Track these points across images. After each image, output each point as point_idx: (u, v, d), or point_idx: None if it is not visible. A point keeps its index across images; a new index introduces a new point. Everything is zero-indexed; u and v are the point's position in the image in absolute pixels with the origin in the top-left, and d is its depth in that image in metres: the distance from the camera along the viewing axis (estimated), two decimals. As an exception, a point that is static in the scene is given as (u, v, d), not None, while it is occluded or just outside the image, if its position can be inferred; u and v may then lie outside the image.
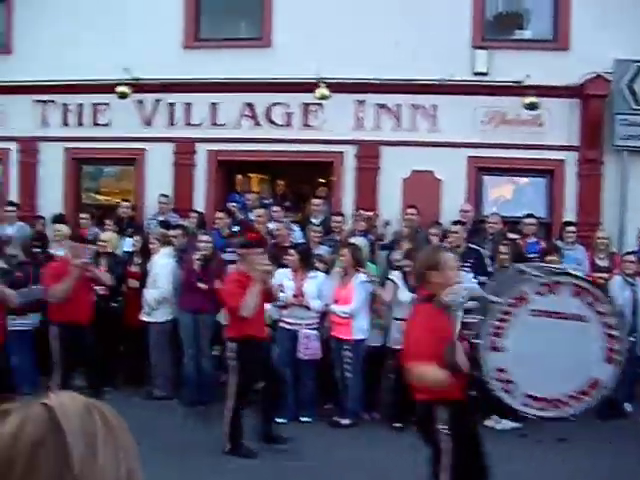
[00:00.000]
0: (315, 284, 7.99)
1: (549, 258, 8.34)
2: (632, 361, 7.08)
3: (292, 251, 8.13)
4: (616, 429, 7.42)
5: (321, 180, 11.35)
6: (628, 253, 8.76)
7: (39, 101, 10.92)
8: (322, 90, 9.75)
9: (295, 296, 7.94)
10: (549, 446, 6.98)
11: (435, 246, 7.44)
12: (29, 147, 10.99)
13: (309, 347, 7.83)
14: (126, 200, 10.52)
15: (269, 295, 6.87)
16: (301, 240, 9.35)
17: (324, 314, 8.16)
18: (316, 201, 10.09)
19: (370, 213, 9.63)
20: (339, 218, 9.55)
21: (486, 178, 10.30)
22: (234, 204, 10.12)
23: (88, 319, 7.29)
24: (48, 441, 0.89)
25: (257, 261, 6.50)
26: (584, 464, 6.42)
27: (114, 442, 0.93)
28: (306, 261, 8.08)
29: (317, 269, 8.24)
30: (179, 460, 6.23)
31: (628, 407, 8.24)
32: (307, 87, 9.84)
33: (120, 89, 10.12)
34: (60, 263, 7.39)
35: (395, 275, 8.07)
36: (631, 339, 7.35)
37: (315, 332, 7.92)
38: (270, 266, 7.10)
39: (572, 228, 9.34)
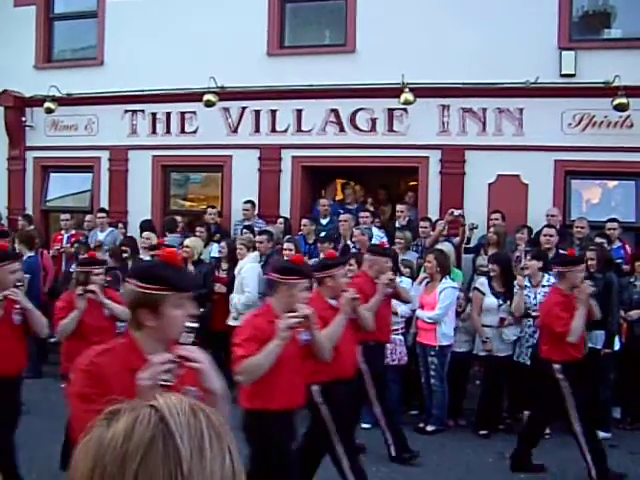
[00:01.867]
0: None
1: (639, 263, 8.61)
2: None
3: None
4: None
5: (412, 183, 11.73)
6: None
7: (128, 111, 11.68)
8: (406, 95, 10.16)
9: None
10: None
11: None
12: (119, 155, 11.76)
13: (395, 352, 8.17)
14: (212, 206, 11.14)
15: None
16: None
17: (410, 320, 8.60)
18: (401, 206, 10.51)
19: (460, 211, 10.01)
20: (425, 223, 9.95)
21: (573, 182, 10.52)
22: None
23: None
24: (158, 441, 0.94)
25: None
26: None
27: (219, 443, 0.99)
28: (393, 266, 8.47)
29: (402, 274, 8.63)
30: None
31: None
32: (391, 92, 10.27)
33: (207, 97, 10.74)
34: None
35: (480, 283, 8.43)
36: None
37: (401, 337, 8.30)
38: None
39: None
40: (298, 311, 4.50)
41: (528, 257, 8.20)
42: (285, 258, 8.23)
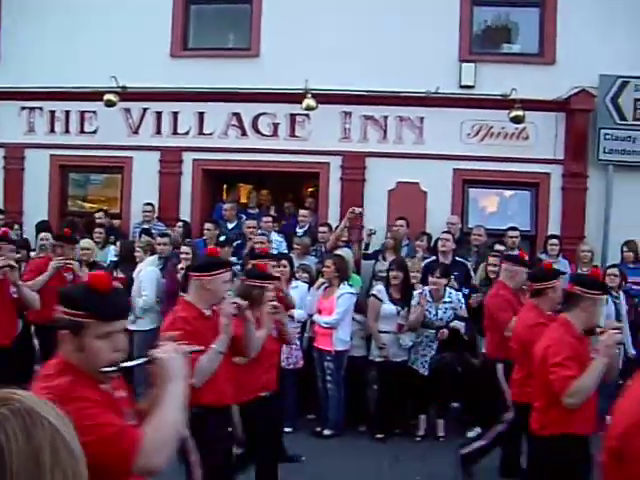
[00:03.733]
0: (297, 294, 8.54)
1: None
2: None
3: (283, 262, 8.59)
4: None
5: (310, 190, 12.09)
6: (611, 266, 9.46)
7: (25, 108, 11.69)
8: (309, 101, 10.51)
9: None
10: None
11: None
12: (15, 154, 11.73)
13: (291, 356, 8.33)
14: (102, 209, 11.27)
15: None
16: (285, 250, 10.09)
17: (305, 324, 8.87)
18: (303, 212, 10.83)
19: (361, 209, 10.40)
20: (325, 229, 10.29)
21: (471, 191, 11.07)
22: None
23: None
24: None
25: None
26: None
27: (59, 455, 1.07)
28: (289, 271, 8.61)
29: (297, 279, 8.89)
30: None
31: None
32: (294, 98, 10.57)
33: (107, 97, 10.84)
34: None
35: (377, 290, 8.73)
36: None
37: (297, 342, 8.54)
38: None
39: (555, 241, 10.08)
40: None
41: (437, 274, 8.49)
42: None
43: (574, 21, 10.73)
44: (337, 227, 10.20)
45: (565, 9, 10.84)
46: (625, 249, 10.10)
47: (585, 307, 4.67)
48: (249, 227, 10.19)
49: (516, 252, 9.87)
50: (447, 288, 8.49)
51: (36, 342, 7.91)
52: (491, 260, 8.71)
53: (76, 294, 2.67)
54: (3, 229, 8.03)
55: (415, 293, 8.48)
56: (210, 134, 11.27)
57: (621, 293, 9.12)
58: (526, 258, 7.65)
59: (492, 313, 7.05)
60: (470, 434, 8.18)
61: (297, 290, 8.55)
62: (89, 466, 2.28)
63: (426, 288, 8.45)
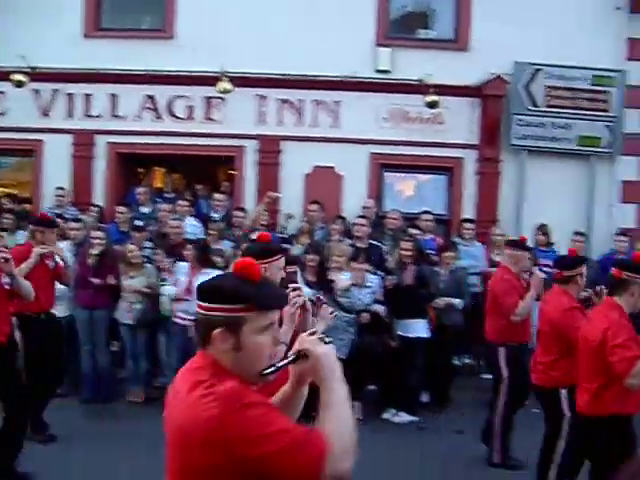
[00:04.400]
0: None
1: (446, 254, 9.32)
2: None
3: (189, 246, 8.69)
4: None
5: (231, 172, 12.07)
6: (521, 249, 9.73)
7: None
8: (224, 84, 10.51)
9: (187, 291, 8.55)
10: (445, 437, 7.81)
11: None
12: None
13: None
14: (10, 195, 11.13)
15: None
16: (202, 235, 10.10)
17: None
18: (218, 196, 10.83)
19: (278, 194, 10.47)
20: (240, 213, 10.32)
21: (387, 175, 11.24)
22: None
23: None
24: None
25: None
26: (480, 452, 7.15)
27: None
28: (202, 257, 8.60)
29: (214, 265, 8.88)
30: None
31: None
32: (209, 80, 10.54)
33: (16, 77, 10.61)
34: None
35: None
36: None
37: None
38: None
39: (469, 225, 10.30)
40: None
41: (360, 260, 8.57)
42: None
43: (489, 8, 10.96)
44: (254, 211, 10.26)
45: (479, -4, 11.07)
46: (537, 232, 10.39)
47: (633, 291, 4.90)
48: (163, 211, 10.15)
49: (430, 236, 10.16)
50: (367, 273, 8.63)
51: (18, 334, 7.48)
52: (403, 244, 8.85)
53: (230, 286, 2.33)
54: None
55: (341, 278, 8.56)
56: (124, 117, 11.17)
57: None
58: (527, 242, 7.84)
59: (498, 298, 7.03)
60: (386, 415, 8.43)
61: (208, 276, 8.45)
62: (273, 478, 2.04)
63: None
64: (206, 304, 2.27)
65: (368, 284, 8.55)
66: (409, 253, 8.67)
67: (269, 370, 2.27)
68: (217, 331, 2.24)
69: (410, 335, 8.55)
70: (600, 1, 11.16)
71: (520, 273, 7.28)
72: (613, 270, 5.09)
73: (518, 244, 7.42)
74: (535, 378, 5.96)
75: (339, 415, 2.25)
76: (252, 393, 2.17)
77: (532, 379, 6.03)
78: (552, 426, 5.81)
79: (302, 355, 2.32)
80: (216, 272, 8.51)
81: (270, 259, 4.30)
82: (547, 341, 5.89)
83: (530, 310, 6.89)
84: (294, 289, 4.36)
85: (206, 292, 2.32)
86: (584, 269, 6.01)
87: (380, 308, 8.58)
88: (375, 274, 8.91)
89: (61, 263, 7.66)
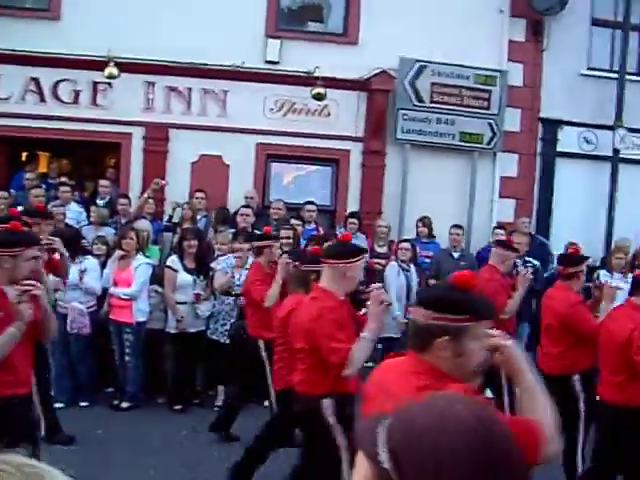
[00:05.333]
0: (87, 267, 8.50)
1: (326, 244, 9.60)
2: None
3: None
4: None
5: (114, 160, 12.13)
6: (403, 240, 10.14)
7: None
8: (111, 69, 10.53)
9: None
10: None
11: None
12: None
13: (75, 320, 8.32)
14: None
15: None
16: (85, 222, 10.16)
17: (103, 297, 8.79)
18: (103, 182, 10.88)
19: (165, 181, 10.60)
20: (125, 200, 10.39)
21: (274, 165, 11.52)
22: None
23: None
24: None
25: None
26: None
27: None
28: (73, 246, 8.29)
29: (88, 252, 8.88)
30: None
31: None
32: (96, 65, 10.54)
33: None
34: None
35: (171, 260, 8.89)
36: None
37: (82, 307, 8.43)
38: None
39: (353, 219, 10.64)
40: None
41: (240, 240, 8.74)
42: None
43: (379, 4, 11.35)
44: (140, 198, 10.36)
45: (370, -9, 11.46)
46: (419, 224, 10.85)
47: None
48: (36, 197, 10.05)
49: (312, 226, 10.48)
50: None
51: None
52: (283, 233, 9.09)
53: (456, 297, 2.57)
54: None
55: (222, 261, 8.70)
56: (6, 99, 11.03)
57: (412, 266, 9.76)
58: (515, 245, 8.33)
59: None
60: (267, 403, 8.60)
61: (84, 264, 8.48)
62: None
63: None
64: (430, 312, 2.51)
65: (248, 267, 8.72)
66: (289, 241, 8.89)
67: (477, 369, 2.58)
68: (441, 340, 2.49)
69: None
70: (484, 3, 11.73)
71: (507, 272, 7.78)
72: (637, 272, 5.83)
73: (506, 244, 8.02)
74: (547, 367, 6.20)
75: (544, 404, 2.60)
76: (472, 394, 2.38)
77: (542, 369, 6.20)
78: (566, 410, 6.26)
79: (496, 348, 2.62)
80: (91, 259, 8.62)
81: (355, 259, 4.75)
82: (555, 334, 6.47)
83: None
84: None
85: (431, 301, 2.57)
86: (584, 266, 6.74)
87: None
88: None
89: (56, 255, 7.30)
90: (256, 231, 9.82)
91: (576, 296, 6.45)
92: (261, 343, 7.18)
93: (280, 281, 6.92)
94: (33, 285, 4.51)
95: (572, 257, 6.86)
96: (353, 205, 11.32)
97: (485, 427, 1.13)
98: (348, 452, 4.59)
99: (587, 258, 7.17)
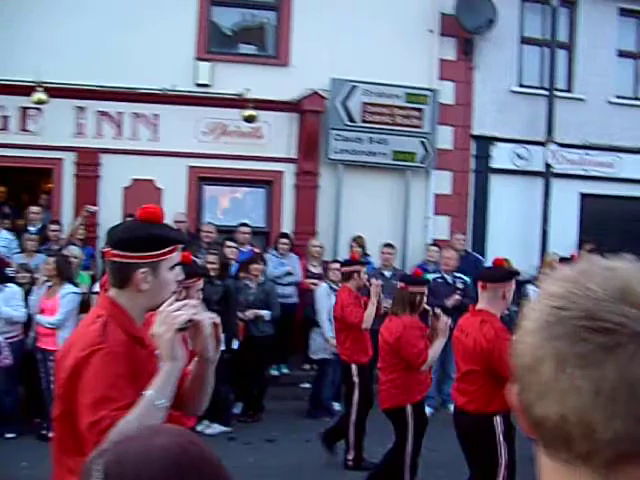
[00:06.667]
0: (7, 295, 8.63)
1: (253, 266, 9.88)
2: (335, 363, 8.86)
3: None
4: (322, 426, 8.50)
5: (49, 186, 12.27)
6: (334, 261, 10.43)
7: None
8: (39, 95, 10.68)
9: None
10: (257, 447, 8.33)
11: None
12: None
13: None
14: None
15: None
16: (16, 249, 10.30)
17: (29, 325, 8.90)
18: (34, 209, 11.03)
19: (95, 208, 10.78)
20: (56, 227, 10.56)
21: (207, 188, 11.79)
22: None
23: None
24: None
25: None
26: (291, 460, 7.75)
27: None
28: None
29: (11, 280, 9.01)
30: None
31: (336, 406, 9.73)
32: (25, 90, 10.68)
33: None
34: None
35: (96, 287, 9.04)
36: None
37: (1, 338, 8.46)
38: None
39: (285, 240, 10.94)
40: None
41: None
42: None
43: (309, 26, 11.71)
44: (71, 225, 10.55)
45: (301, 14, 11.81)
46: (353, 244, 11.17)
47: None
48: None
49: (248, 248, 10.72)
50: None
51: None
52: (209, 257, 9.31)
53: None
54: None
55: None
56: None
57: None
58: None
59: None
60: (199, 427, 8.62)
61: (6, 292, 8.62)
62: None
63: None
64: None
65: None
66: (214, 266, 9.13)
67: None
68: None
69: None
70: (414, 23, 12.13)
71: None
72: None
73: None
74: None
75: None
76: None
77: None
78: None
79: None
80: (12, 286, 8.76)
81: (510, 282, 5.42)
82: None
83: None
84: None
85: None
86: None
87: None
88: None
89: None
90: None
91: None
92: (354, 367, 7.61)
93: (375, 303, 7.49)
94: None
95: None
96: (287, 226, 11.61)
97: (188, 455, 1.24)
98: (507, 470, 5.19)
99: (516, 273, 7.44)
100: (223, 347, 8.21)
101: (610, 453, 0.92)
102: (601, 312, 0.92)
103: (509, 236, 12.33)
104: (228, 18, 12.14)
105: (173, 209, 11.09)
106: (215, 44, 11.87)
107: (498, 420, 5.20)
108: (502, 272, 5.71)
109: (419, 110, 12.08)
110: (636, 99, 13.53)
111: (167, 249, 2.68)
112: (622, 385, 0.90)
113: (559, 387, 0.93)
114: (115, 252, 2.65)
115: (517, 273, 6.11)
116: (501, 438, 5.22)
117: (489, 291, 5.40)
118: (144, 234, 2.68)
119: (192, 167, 11.51)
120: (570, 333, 0.93)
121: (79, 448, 2.42)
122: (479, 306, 5.41)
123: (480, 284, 5.51)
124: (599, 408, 0.91)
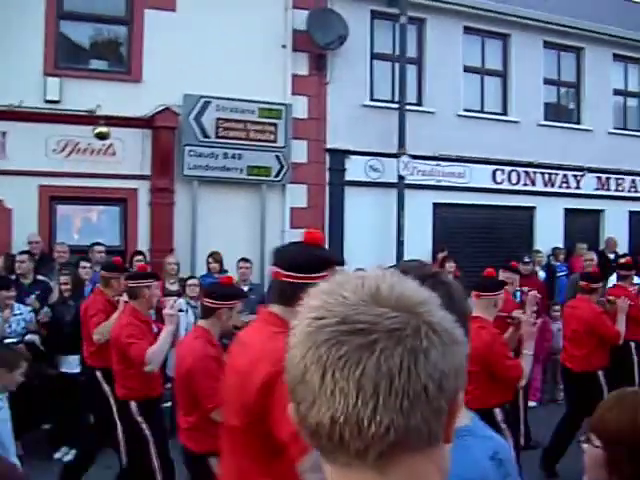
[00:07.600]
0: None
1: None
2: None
3: None
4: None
5: None
6: (191, 277, 10.65)
7: None
8: None
9: None
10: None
11: None
12: None
13: None
14: None
15: None
16: None
17: None
18: None
19: None
20: None
21: (59, 207, 11.71)
22: None
23: None
24: None
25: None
26: None
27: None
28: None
29: None
30: None
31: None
32: None
33: None
34: None
35: None
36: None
37: None
38: None
39: (139, 257, 11.03)
40: None
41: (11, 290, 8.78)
42: None
43: (161, 41, 11.82)
44: None
45: (152, 29, 11.92)
46: (210, 260, 11.39)
47: None
48: None
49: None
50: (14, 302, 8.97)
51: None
52: (62, 278, 9.38)
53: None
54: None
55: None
56: None
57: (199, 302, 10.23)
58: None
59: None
60: (57, 455, 8.71)
61: None
62: None
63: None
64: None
65: (17, 312, 8.85)
66: (67, 287, 9.22)
67: None
68: None
69: (70, 371, 9.08)
70: (267, 39, 12.47)
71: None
72: None
73: (511, 268, 8.89)
74: (575, 366, 8.07)
75: None
76: None
77: (570, 368, 8.17)
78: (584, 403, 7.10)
79: None
80: None
81: (501, 291, 6.40)
82: (581, 337, 7.99)
83: None
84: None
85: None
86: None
87: (34, 337, 8.96)
88: (42, 308, 9.34)
89: None
90: (40, 277, 10.06)
91: (597, 306, 8.20)
92: None
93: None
94: None
95: (595, 275, 8.69)
96: (144, 244, 11.70)
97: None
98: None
99: (604, 277, 9.55)
100: (74, 370, 8.33)
101: (381, 446, 0.99)
102: (355, 315, 1.00)
103: (366, 247, 12.80)
104: (79, 33, 12.09)
105: (24, 229, 11.09)
106: (65, 59, 11.80)
107: (497, 410, 5.94)
108: (494, 282, 6.53)
109: (273, 125, 12.42)
110: (482, 112, 14.37)
111: (328, 270, 2.97)
112: (382, 380, 0.97)
113: (326, 392, 0.98)
114: (288, 274, 2.96)
115: (505, 283, 7.04)
116: (503, 426, 5.92)
117: (483, 299, 6.18)
118: (314, 257, 2.99)
119: (43, 186, 11.41)
120: (330, 339, 0.99)
121: (271, 453, 2.80)
122: (475, 313, 5.98)
123: (474, 293, 6.19)
124: (364, 405, 0.97)
